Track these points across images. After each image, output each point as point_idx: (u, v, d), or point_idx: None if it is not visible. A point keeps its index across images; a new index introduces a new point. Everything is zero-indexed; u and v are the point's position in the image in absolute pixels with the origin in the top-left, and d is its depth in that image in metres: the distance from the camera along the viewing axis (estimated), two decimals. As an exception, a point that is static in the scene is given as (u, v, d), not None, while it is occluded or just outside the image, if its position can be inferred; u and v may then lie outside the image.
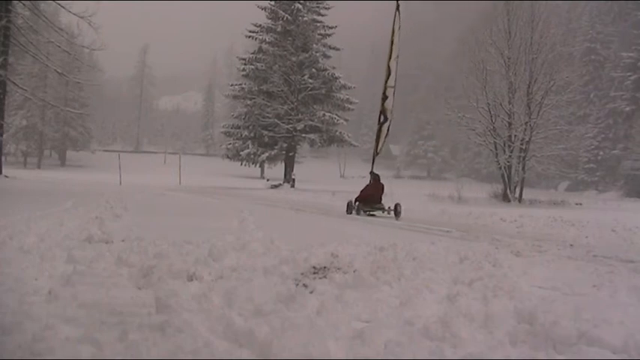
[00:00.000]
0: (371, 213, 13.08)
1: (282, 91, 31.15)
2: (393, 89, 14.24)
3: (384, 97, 14.36)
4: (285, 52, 31.46)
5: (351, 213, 13.13)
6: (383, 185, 13.78)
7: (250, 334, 3.00)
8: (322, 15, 33.53)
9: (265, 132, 32.02)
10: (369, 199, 13.31)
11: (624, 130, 46.84)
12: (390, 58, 14.30)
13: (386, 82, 14.36)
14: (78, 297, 3.69)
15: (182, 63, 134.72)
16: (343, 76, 33.55)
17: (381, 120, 14.28)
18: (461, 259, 5.99)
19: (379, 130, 14.47)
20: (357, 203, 13.30)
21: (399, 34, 14.41)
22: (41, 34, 23.16)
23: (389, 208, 13.01)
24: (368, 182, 14.00)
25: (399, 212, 12.67)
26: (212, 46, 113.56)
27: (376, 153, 14.58)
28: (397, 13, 14.56)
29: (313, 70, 31.79)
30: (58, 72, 24.97)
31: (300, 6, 32.39)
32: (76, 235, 6.50)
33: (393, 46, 14.39)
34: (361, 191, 13.66)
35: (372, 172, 14.07)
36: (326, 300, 3.85)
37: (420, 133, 72.67)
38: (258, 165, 38.63)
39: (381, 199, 13.50)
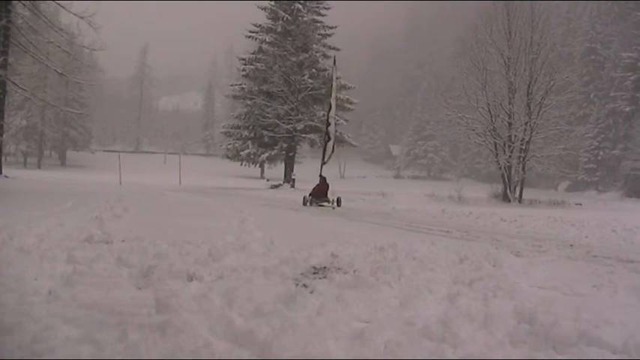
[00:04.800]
0: (320, 204, 16.48)
1: (282, 91, 31.12)
2: (334, 119, 19.85)
3: (328, 124, 19.90)
4: (285, 53, 31.42)
5: (305, 205, 16.51)
6: (328, 185, 17.65)
7: (250, 334, 3.01)
8: (322, 15, 33.48)
9: (265, 132, 31.98)
10: (319, 195, 17.07)
11: (624, 130, 46.82)
12: (332, 97, 19.94)
13: (328, 112, 20.10)
14: (78, 297, 3.69)
15: (182, 63, 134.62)
16: (343, 76, 33.50)
17: (327, 139, 19.77)
18: (461, 259, 5.99)
19: (325, 147, 19.75)
20: (310, 197, 16.88)
21: (336, 82, 20.15)
22: (41, 34, 23.09)
23: (332, 200, 16.60)
24: (318, 182, 17.71)
25: (340, 203, 16.56)
26: (212, 46, 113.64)
27: (323, 163, 19.26)
28: (334, 66, 20.63)
29: (313, 70, 31.75)
30: (58, 72, 24.88)
31: (300, 6, 32.35)
32: (76, 235, 6.49)
33: (333, 90, 20.03)
34: (313, 189, 17.48)
35: (320, 175, 17.96)
36: (326, 300, 3.85)
37: (420, 133, 72.62)
38: (258, 165, 38.54)
39: (327, 194, 17.16)
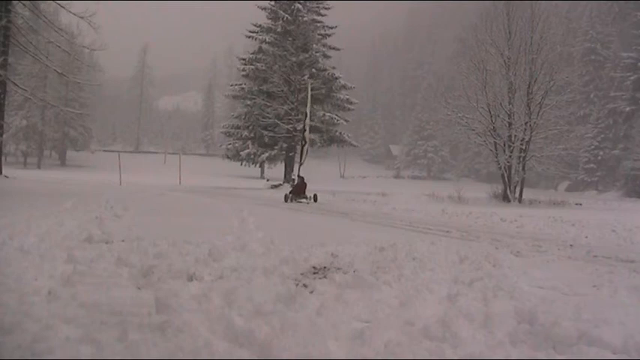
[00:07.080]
0: (299, 201, 18.49)
1: (282, 91, 31.13)
2: (308, 126, 23.25)
3: (304, 130, 23.16)
4: (285, 53, 31.44)
5: (286, 201, 18.31)
6: (306, 184, 19.56)
7: (250, 334, 3.01)
8: (322, 15, 33.50)
9: (265, 132, 32.00)
10: (298, 192, 19.11)
11: (624, 130, 46.86)
12: (307, 107, 23.62)
13: (304, 120, 23.65)
14: (78, 297, 3.69)
15: (182, 63, 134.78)
16: (343, 76, 33.52)
17: (303, 143, 22.91)
18: (461, 259, 5.99)
19: (302, 149, 22.89)
20: (290, 195, 18.86)
21: (310, 99, 24.03)
22: (41, 34, 23.10)
23: (309, 197, 18.75)
24: (297, 181, 19.85)
25: (316, 199, 18.60)
26: (212, 46, 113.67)
27: (301, 164, 22.48)
28: (309, 82, 25.19)
29: (313, 70, 31.75)
30: (58, 72, 24.84)
31: (300, 6, 32.35)
32: (76, 235, 6.49)
33: (308, 101, 23.75)
34: (293, 187, 19.96)
35: (299, 175, 20.23)
36: (326, 300, 3.85)
37: (420, 133, 72.62)
38: (258, 165, 38.57)
39: (304, 192, 19.23)
